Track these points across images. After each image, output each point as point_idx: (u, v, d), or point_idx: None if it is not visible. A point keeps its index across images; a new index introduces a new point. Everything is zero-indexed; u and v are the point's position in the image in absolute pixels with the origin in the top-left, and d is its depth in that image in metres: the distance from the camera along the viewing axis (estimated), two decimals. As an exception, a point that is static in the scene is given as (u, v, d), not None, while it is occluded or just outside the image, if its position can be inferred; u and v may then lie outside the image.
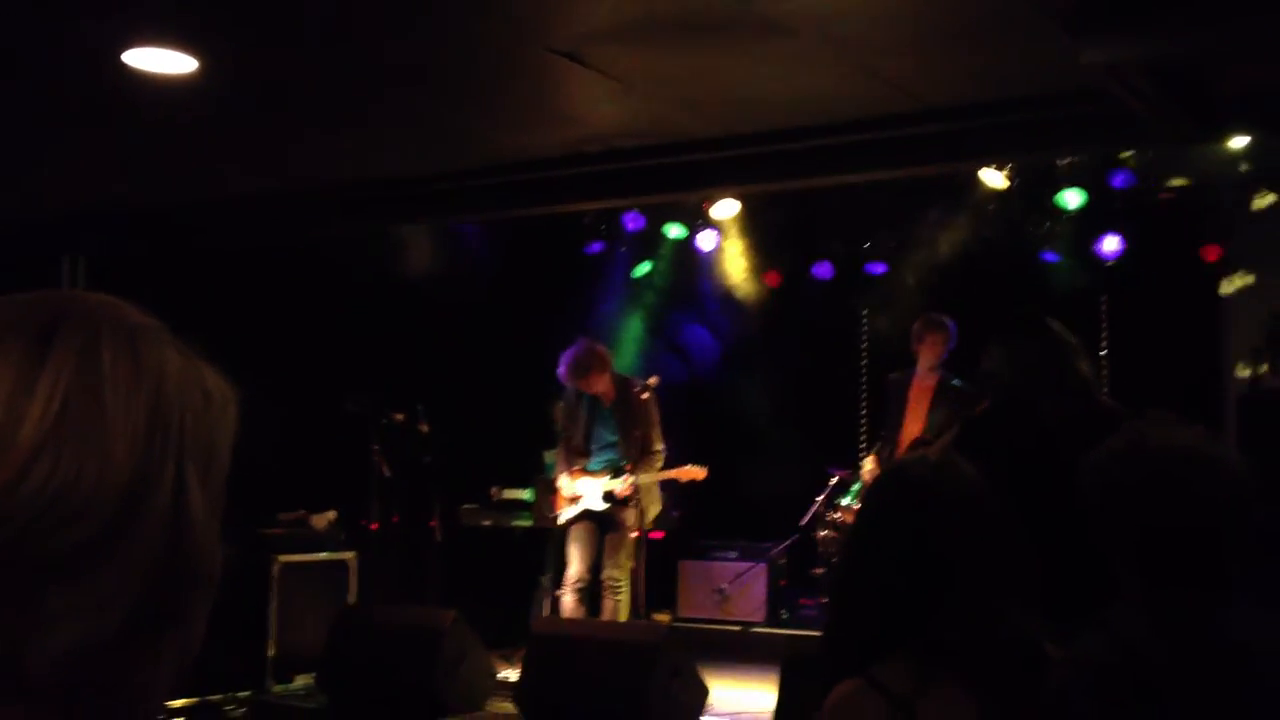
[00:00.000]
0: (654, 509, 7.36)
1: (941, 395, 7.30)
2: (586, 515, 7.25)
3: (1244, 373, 7.43)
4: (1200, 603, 1.90)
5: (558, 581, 7.43)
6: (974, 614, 2.05)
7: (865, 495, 2.26)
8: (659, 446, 7.28)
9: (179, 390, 0.90)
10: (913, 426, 7.38)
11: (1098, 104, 4.91)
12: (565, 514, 7.33)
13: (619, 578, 7.14)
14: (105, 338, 0.88)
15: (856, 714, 2.05)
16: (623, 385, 7.31)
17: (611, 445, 7.29)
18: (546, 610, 7.84)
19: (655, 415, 7.28)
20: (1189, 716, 1.82)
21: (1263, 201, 7.24)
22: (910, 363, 7.51)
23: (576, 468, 7.32)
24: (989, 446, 4.04)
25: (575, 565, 7.23)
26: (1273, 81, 4.96)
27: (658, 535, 8.70)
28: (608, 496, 7.17)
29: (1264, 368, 7.12)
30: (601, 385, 7.24)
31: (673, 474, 7.32)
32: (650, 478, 7.21)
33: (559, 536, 7.48)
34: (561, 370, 7.23)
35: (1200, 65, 4.72)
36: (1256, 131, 5.90)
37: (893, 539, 2.13)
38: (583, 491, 7.26)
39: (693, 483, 7.54)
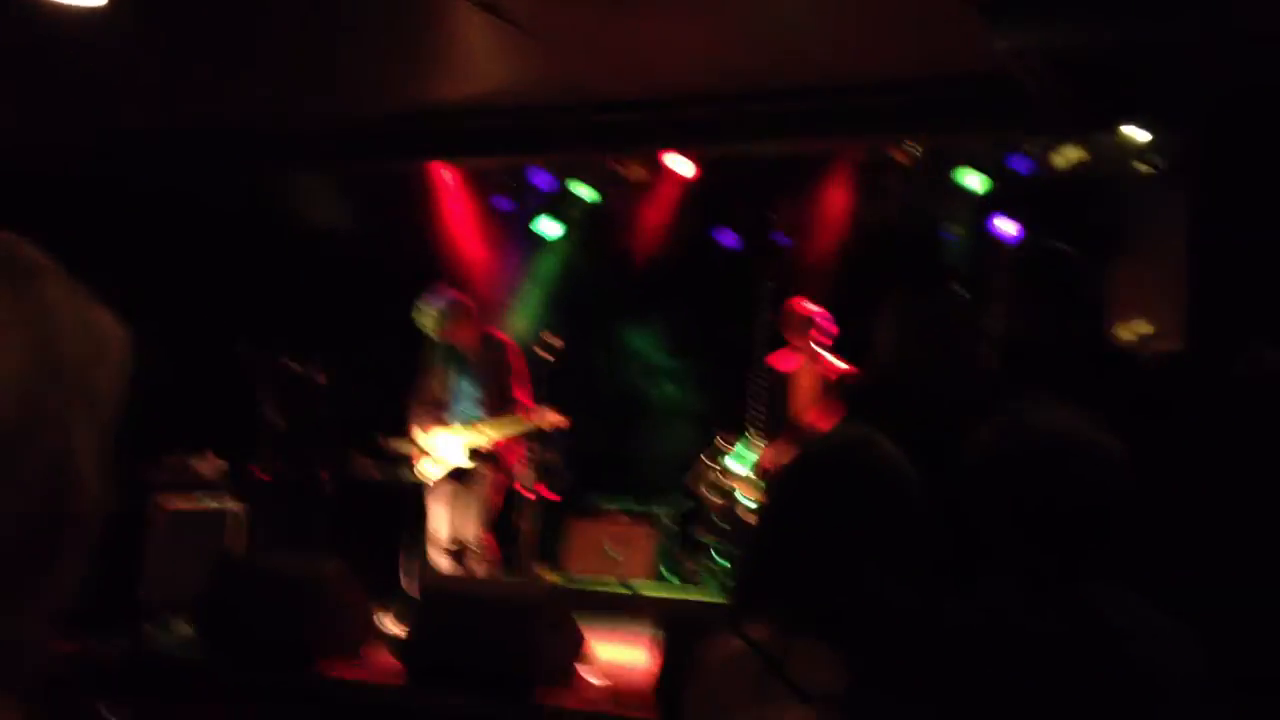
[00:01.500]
0: (522, 470, 7.26)
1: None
2: (455, 474, 7.16)
3: (1128, 336, 7.65)
4: (1068, 577, 1.96)
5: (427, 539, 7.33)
6: (850, 583, 2.11)
7: (783, 464, 2.30)
8: (517, 399, 7.09)
9: (71, 333, 0.87)
10: (801, 410, 7.43)
11: (1001, 89, 5.00)
12: (430, 471, 7.20)
13: (478, 537, 7.06)
14: None
15: (732, 670, 2.09)
16: (489, 341, 7.21)
17: (473, 400, 7.19)
18: (421, 567, 7.76)
19: (520, 369, 7.16)
20: (1050, 686, 1.88)
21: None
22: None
23: (433, 421, 7.22)
24: (876, 410, 4.12)
25: (443, 528, 7.10)
26: (1164, 77, 5.10)
27: (548, 494, 8.72)
28: (468, 449, 7.08)
29: (1146, 329, 7.35)
30: (465, 337, 7.13)
31: (532, 423, 7.12)
32: (508, 430, 7.13)
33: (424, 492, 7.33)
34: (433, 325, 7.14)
35: (1101, 58, 4.83)
36: (1147, 124, 6.06)
37: (791, 510, 2.18)
38: (440, 445, 7.17)
39: (580, 440, 7.50)
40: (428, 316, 7.12)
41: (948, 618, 1.96)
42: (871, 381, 4.72)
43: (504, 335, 7.30)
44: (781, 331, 7.44)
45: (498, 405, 7.06)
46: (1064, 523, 1.98)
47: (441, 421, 7.15)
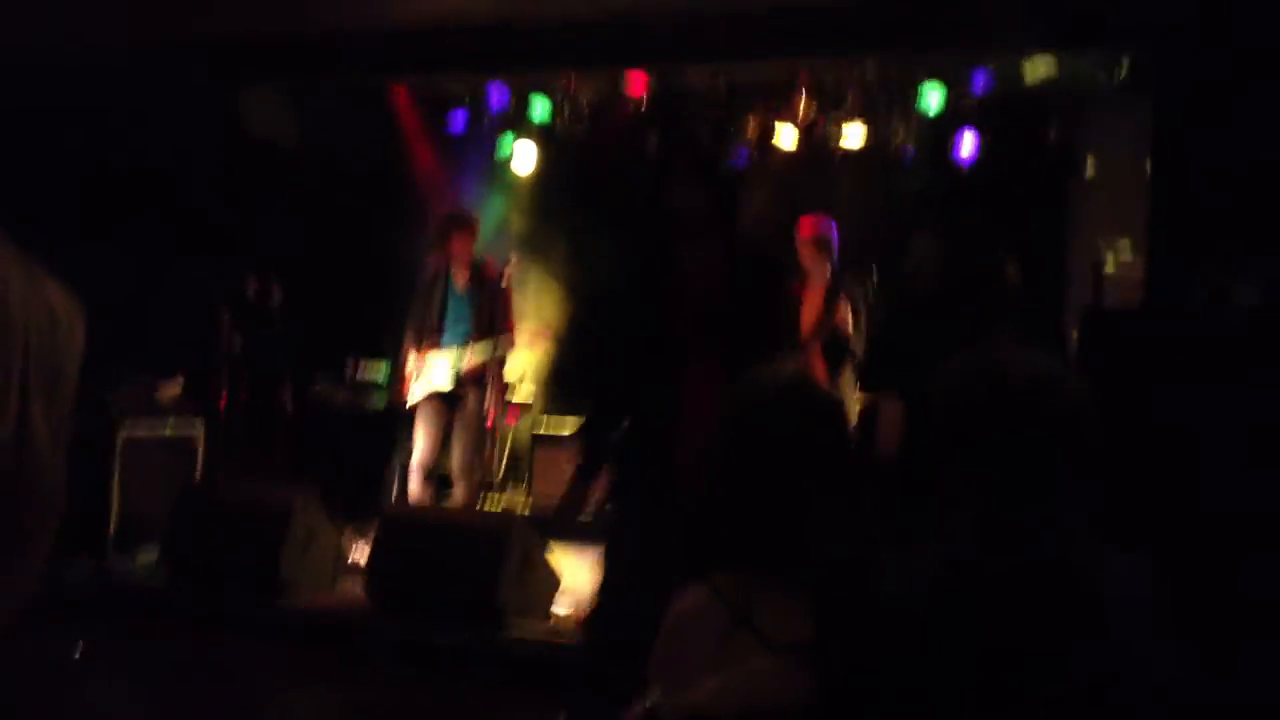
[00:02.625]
0: (511, 391, 7.34)
1: (832, 294, 7.29)
2: (436, 396, 7.19)
3: (1110, 266, 7.72)
4: (1028, 520, 1.98)
5: (407, 462, 7.40)
6: (810, 527, 2.14)
7: (721, 409, 2.31)
8: (510, 326, 7.22)
9: (23, 312, 0.85)
10: (807, 323, 7.41)
11: (960, 8, 4.97)
12: (413, 394, 7.26)
13: (466, 465, 7.12)
14: None
15: (698, 619, 2.12)
16: (477, 266, 7.24)
17: (464, 321, 7.22)
18: (396, 491, 7.82)
19: (510, 295, 7.23)
20: (1007, 631, 1.91)
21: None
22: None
23: (427, 344, 7.24)
24: (910, 335, 4.17)
25: (421, 448, 7.18)
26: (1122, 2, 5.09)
27: (514, 420, 8.74)
28: (456, 377, 7.12)
29: (1125, 253, 7.41)
30: (463, 249, 7.15)
31: (521, 345, 7.27)
32: (499, 353, 7.15)
33: (410, 416, 7.41)
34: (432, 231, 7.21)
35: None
36: (1106, 45, 6.04)
37: (739, 455, 2.20)
38: (433, 366, 7.19)
39: (549, 364, 7.52)
40: (436, 230, 7.18)
41: (909, 565, 1.98)
42: (919, 308, 4.78)
43: (495, 262, 7.31)
44: (800, 255, 7.33)
45: (487, 328, 7.09)
46: (1024, 462, 1.99)
47: (435, 345, 7.17)
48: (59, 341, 0.87)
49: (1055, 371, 2.03)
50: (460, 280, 7.24)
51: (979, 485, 2.03)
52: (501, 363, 7.30)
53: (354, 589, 6.31)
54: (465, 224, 7.22)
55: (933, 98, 8.19)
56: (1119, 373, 3.79)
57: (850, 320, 6.83)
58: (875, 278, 6.84)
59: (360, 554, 6.74)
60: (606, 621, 4.76)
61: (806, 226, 7.21)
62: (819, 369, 6.79)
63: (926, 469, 2.19)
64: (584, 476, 4.60)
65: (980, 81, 8.10)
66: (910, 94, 8.29)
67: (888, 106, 8.48)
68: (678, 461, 4.19)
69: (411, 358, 7.26)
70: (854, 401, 6.56)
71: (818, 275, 7.29)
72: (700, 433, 3.99)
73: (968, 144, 8.36)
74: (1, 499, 0.82)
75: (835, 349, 6.87)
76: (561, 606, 6.05)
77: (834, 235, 7.30)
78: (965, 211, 4.34)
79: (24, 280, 0.86)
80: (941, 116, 8.30)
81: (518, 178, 9.54)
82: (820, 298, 7.26)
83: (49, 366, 0.86)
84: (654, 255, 4.32)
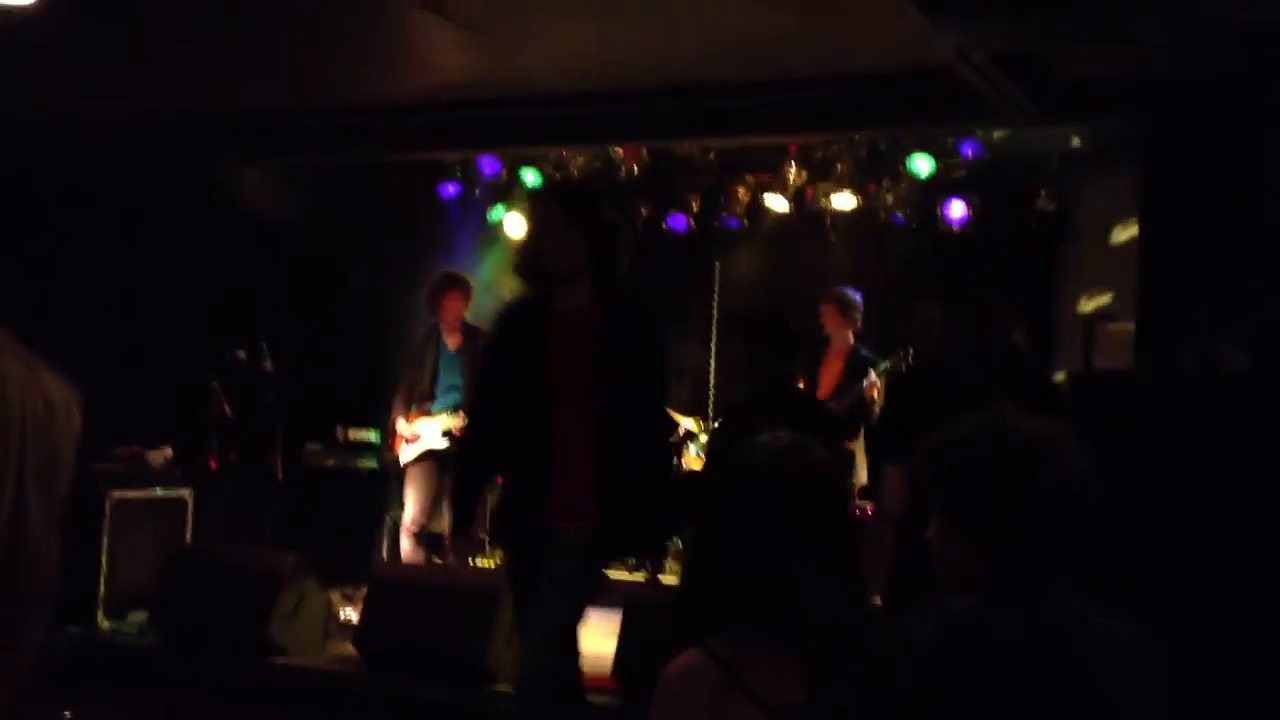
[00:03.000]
0: None
1: (851, 362, 7.32)
2: (427, 456, 7.20)
3: (1087, 307, 7.78)
4: (1026, 586, 1.98)
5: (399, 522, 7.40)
6: (805, 591, 2.15)
7: (720, 472, 2.33)
8: None
9: (20, 403, 0.88)
10: (825, 389, 7.44)
11: (947, 84, 5.04)
12: (405, 454, 7.27)
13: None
14: None
15: (691, 682, 2.13)
16: (470, 332, 7.29)
17: (456, 388, 7.26)
18: (387, 551, 7.80)
19: None
20: (1003, 698, 1.91)
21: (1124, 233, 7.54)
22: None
23: (416, 410, 7.25)
24: (915, 400, 4.17)
25: (412, 508, 7.18)
26: (1105, 72, 5.17)
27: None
28: (447, 434, 7.14)
29: (1105, 299, 7.48)
30: (454, 310, 7.19)
31: None
32: None
33: (401, 476, 7.42)
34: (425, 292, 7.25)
35: (1044, 53, 4.88)
36: (1092, 117, 6.14)
37: (735, 519, 2.21)
38: (422, 432, 7.21)
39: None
40: (430, 289, 7.22)
41: (911, 630, 1.99)
42: (917, 372, 4.79)
43: (480, 327, 7.36)
44: (824, 320, 7.37)
45: None
46: (1024, 524, 1.99)
47: (425, 411, 7.21)
48: (56, 428, 0.90)
49: (1055, 435, 2.04)
50: (452, 342, 7.28)
51: (976, 550, 2.04)
52: None
53: (344, 650, 6.27)
54: (457, 285, 7.27)
55: (921, 165, 8.29)
56: (1109, 435, 3.81)
57: (879, 393, 6.84)
58: (909, 359, 6.85)
59: (351, 615, 6.71)
60: None
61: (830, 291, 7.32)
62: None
63: (925, 533, 2.20)
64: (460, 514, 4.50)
65: (969, 149, 8.21)
66: (899, 161, 8.40)
67: (876, 174, 8.58)
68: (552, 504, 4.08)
69: (401, 420, 7.28)
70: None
71: (839, 339, 7.34)
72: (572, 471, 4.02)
73: (957, 209, 8.46)
74: (3, 595, 0.85)
75: (854, 418, 6.92)
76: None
77: (857, 298, 7.37)
78: (968, 277, 4.33)
79: (22, 371, 0.89)
80: (931, 182, 8.41)
81: (510, 239, 9.63)
82: (840, 363, 7.30)
83: (46, 452, 0.89)
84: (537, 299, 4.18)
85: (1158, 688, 2.01)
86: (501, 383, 4.24)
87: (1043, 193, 8.25)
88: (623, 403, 4.03)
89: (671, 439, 8.11)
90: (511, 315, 4.32)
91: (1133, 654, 2.01)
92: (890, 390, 5.53)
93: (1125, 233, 7.36)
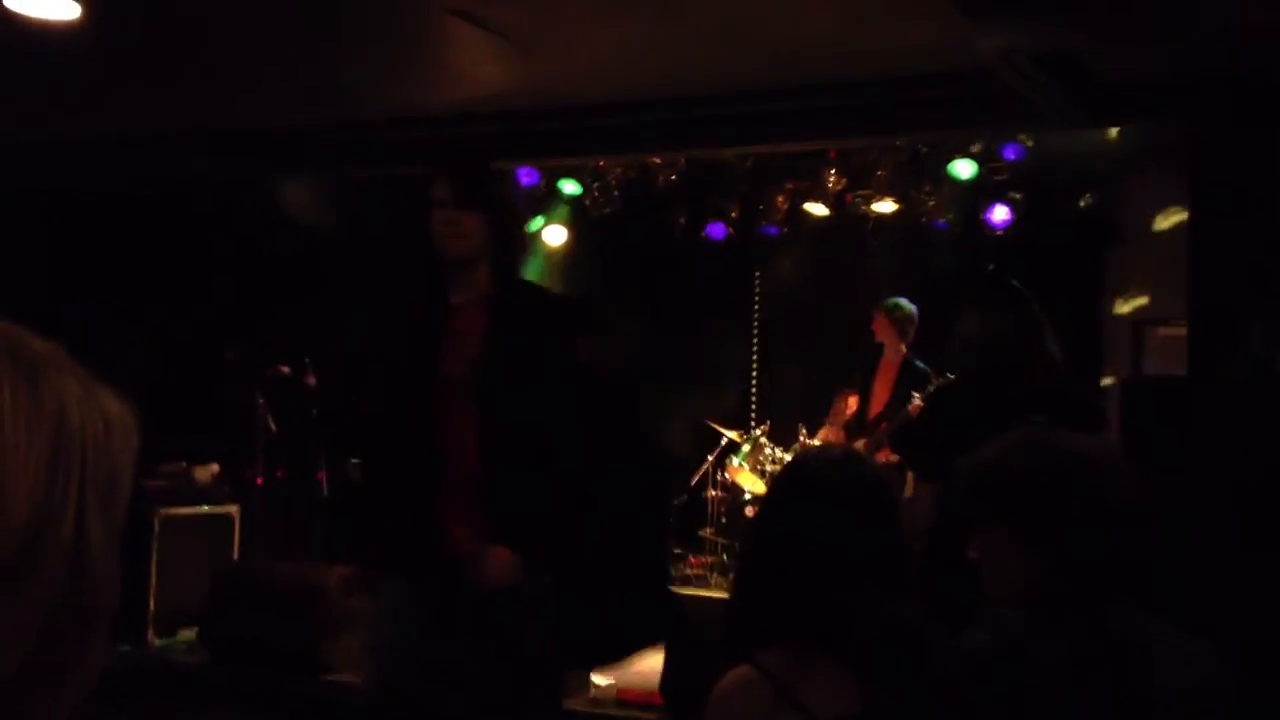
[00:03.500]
0: None
1: (904, 374, 7.30)
2: None
3: (1124, 309, 7.69)
4: (1083, 601, 1.96)
5: None
6: (858, 604, 2.12)
7: (769, 485, 2.32)
8: None
9: (80, 423, 0.88)
10: (879, 401, 7.42)
11: (991, 87, 5.00)
12: None
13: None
14: (2, 372, 0.86)
15: (743, 699, 2.11)
16: None
17: None
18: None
19: None
20: (1066, 710, 1.89)
21: (1165, 221, 7.44)
22: (798, 333, 7.59)
23: None
24: (956, 414, 4.14)
25: None
26: (1153, 74, 5.11)
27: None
28: None
29: (1142, 300, 7.40)
30: None
31: None
32: None
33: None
34: None
35: (1087, 56, 4.83)
36: (1140, 120, 6.07)
37: (786, 532, 2.19)
38: None
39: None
40: None
41: (966, 645, 1.97)
42: (958, 385, 4.74)
43: None
44: (876, 330, 7.34)
45: None
46: (1080, 544, 1.98)
47: None
48: (114, 449, 0.91)
49: (1104, 451, 2.03)
50: None
51: (1025, 565, 2.02)
52: None
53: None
54: None
55: (963, 169, 8.23)
56: (1162, 441, 3.76)
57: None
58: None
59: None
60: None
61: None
62: (882, 451, 6.77)
63: (962, 549, 2.18)
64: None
65: (1011, 152, 8.14)
66: (941, 165, 8.34)
67: (918, 178, 8.52)
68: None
69: None
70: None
71: (891, 351, 7.28)
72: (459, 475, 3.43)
73: (1000, 213, 8.39)
74: (63, 602, 0.85)
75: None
76: (602, 678, 6.02)
77: (912, 308, 7.31)
78: (1005, 290, 4.27)
79: (80, 389, 0.89)
80: (973, 186, 8.34)
81: (549, 248, 9.65)
82: (893, 374, 7.24)
83: (105, 473, 0.89)
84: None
85: (1220, 700, 1.98)
86: (385, 384, 3.75)
87: (1087, 195, 8.16)
88: (519, 410, 3.44)
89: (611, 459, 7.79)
90: (401, 307, 3.83)
91: (1194, 665, 1.99)
92: (930, 406, 5.45)
93: (1167, 221, 7.30)
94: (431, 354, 3.55)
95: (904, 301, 7.37)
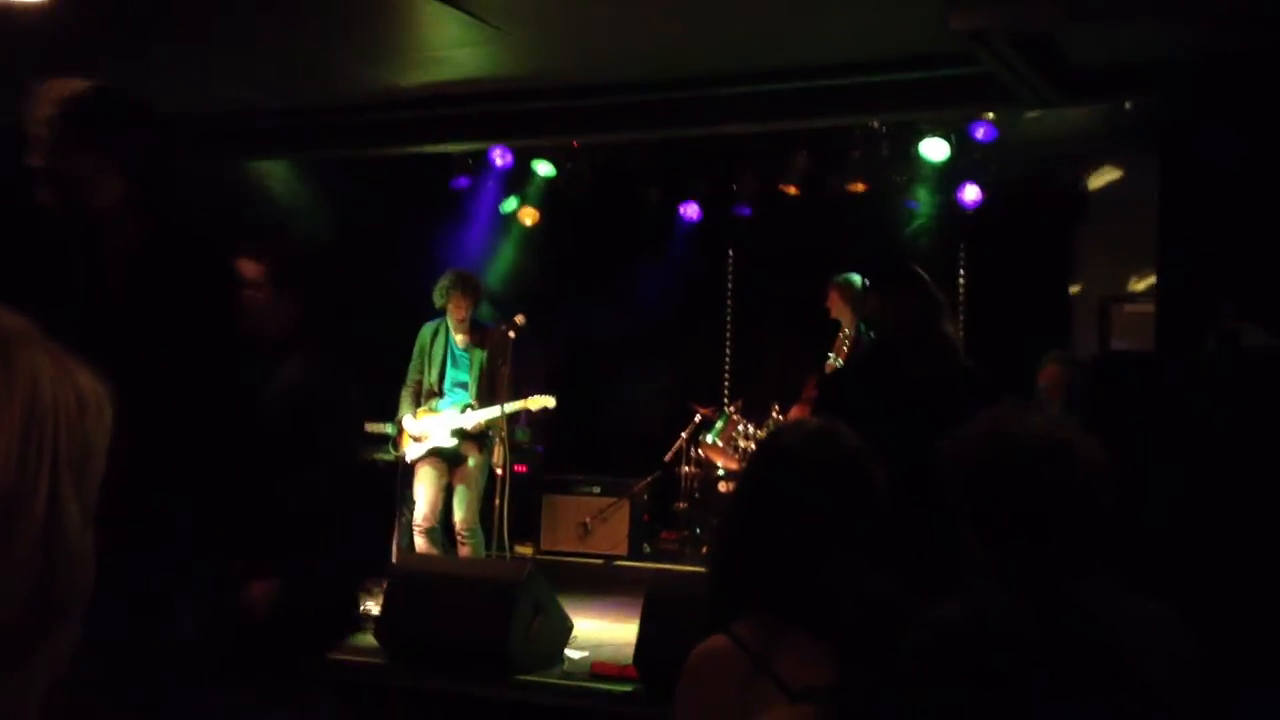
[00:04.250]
0: (500, 449, 7.31)
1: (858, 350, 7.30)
2: (434, 453, 7.16)
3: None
4: (1052, 576, 1.99)
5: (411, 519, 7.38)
6: (834, 575, 2.15)
7: (747, 459, 2.34)
8: (508, 386, 7.18)
9: (52, 398, 0.88)
10: None
11: (965, 67, 5.02)
12: (412, 451, 7.25)
13: (470, 523, 7.11)
14: None
15: (718, 667, 2.13)
16: (479, 329, 7.28)
17: (463, 385, 7.24)
18: (400, 548, 7.79)
19: (508, 356, 7.22)
20: (1039, 686, 1.91)
21: (1101, 180, 7.49)
22: (777, 310, 7.62)
23: (424, 408, 7.25)
24: (853, 392, 4.19)
25: (422, 506, 7.13)
26: (1124, 53, 5.14)
27: (521, 469, 8.73)
28: (456, 432, 7.13)
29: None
30: (461, 308, 7.16)
31: (520, 405, 7.26)
32: (497, 412, 7.16)
33: (410, 473, 7.39)
34: (435, 290, 7.21)
35: (1059, 35, 4.85)
36: (1110, 99, 6.11)
37: (764, 504, 2.22)
38: (430, 430, 7.19)
39: (552, 416, 7.51)
40: (437, 289, 7.17)
41: (938, 619, 1.99)
42: (857, 366, 4.77)
43: (490, 324, 7.35)
44: (830, 306, 7.35)
45: (487, 388, 7.11)
46: (1045, 524, 2.00)
47: (431, 408, 7.19)
48: (88, 424, 0.91)
49: (1066, 434, 2.05)
50: (460, 339, 7.26)
51: (998, 546, 2.05)
52: (509, 418, 7.30)
53: (366, 642, 6.28)
54: (464, 284, 7.21)
55: (934, 149, 8.27)
56: (1129, 416, 3.80)
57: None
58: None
59: (372, 608, 6.72)
60: None
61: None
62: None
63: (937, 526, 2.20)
64: None
65: (981, 132, 8.18)
66: (912, 146, 8.37)
67: (889, 159, 8.56)
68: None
69: (408, 417, 7.25)
70: None
71: (848, 327, 7.29)
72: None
73: (970, 192, 8.44)
74: (36, 575, 0.85)
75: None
76: (574, 652, 6.05)
77: (863, 282, 7.32)
78: (906, 271, 4.33)
79: (53, 365, 0.89)
80: (944, 166, 8.38)
81: (523, 229, 9.65)
82: (847, 352, 7.26)
83: (79, 448, 0.89)
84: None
85: (1187, 667, 2.01)
86: None
87: (1056, 174, 8.22)
88: (164, 382, 2.82)
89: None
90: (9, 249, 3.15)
91: (1161, 633, 2.02)
92: (831, 384, 5.45)
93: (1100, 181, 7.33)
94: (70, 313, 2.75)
95: (855, 276, 7.39)
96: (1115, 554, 2.04)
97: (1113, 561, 2.03)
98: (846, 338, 7.19)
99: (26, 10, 5.17)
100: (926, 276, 4.30)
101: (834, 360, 6.76)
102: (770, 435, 2.36)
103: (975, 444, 2.08)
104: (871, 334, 4.58)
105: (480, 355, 7.21)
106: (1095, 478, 2.02)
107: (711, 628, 2.20)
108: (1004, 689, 1.90)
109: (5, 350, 0.87)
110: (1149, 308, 5.83)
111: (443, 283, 7.24)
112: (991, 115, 7.88)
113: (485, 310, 7.61)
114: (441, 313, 7.28)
